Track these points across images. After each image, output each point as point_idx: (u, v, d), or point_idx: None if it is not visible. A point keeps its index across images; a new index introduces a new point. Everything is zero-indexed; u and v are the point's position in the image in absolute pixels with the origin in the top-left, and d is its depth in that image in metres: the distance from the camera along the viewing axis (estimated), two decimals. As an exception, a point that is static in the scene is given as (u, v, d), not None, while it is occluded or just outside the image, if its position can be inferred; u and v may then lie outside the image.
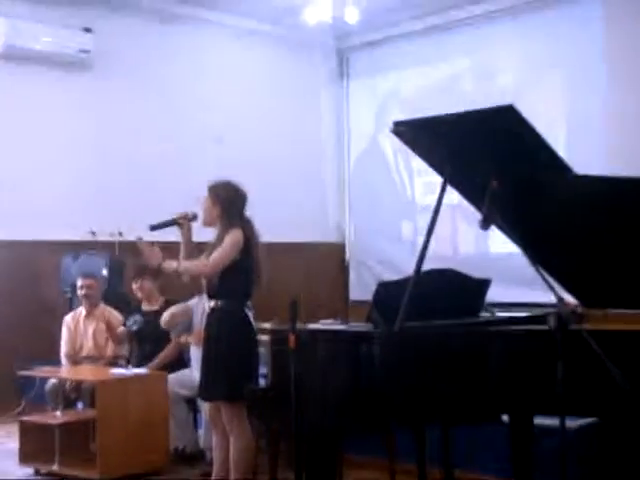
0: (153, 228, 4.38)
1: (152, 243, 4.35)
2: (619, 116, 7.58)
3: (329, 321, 3.89)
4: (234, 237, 4.21)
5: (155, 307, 5.87)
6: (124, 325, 5.93)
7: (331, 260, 9.88)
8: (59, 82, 7.92)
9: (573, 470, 4.17)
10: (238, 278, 4.25)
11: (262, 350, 5.31)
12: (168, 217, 4.42)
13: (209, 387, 4.29)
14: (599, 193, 3.05)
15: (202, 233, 4.56)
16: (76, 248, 7.47)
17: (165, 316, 5.52)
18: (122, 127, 8.17)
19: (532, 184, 3.10)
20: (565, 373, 2.60)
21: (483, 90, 8.30)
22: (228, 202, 4.31)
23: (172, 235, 4.54)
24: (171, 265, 4.28)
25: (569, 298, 3.41)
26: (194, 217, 4.39)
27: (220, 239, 4.26)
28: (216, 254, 4.21)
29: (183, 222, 4.39)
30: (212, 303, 4.31)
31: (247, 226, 4.31)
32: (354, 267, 9.87)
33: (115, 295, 6.86)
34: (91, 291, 6.23)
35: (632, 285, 3.30)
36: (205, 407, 4.72)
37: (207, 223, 4.38)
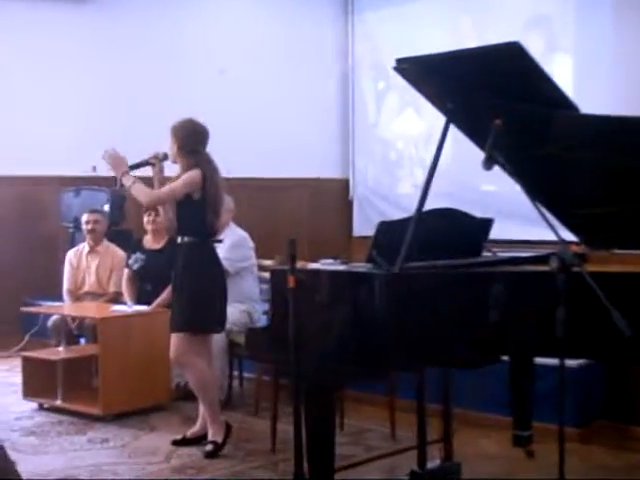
0: (131, 168, 4.54)
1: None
2: (626, 55, 7.43)
3: (329, 261, 3.87)
4: (189, 176, 4.34)
5: (158, 245, 5.83)
6: (127, 265, 5.90)
7: (335, 196, 9.84)
8: (62, 16, 7.80)
9: (571, 408, 4.24)
10: (198, 215, 4.38)
11: (264, 287, 5.34)
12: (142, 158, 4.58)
13: (172, 319, 4.48)
14: (606, 132, 2.98)
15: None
16: (77, 183, 7.44)
17: None
18: (125, 61, 8.07)
19: (537, 123, 3.04)
20: (566, 315, 2.57)
21: (488, 28, 8.14)
22: (184, 139, 4.42)
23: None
24: (128, 181, 4.40)
25: (572, 237, 3.39)
26: (165, 157, 4.55)
27: (179, 176, 4.40)
28: (165, 188, 4.40)
29: (155, 162, 4.55)
30: (179, 239, 4.47)
31: (208, 165, 4.42)
32: (358, 203, 9.83)
33: (116, 231, 6.85)
34: (97, 226, 6.23)
35: (637, 225, 3.27)
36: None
37: (173, 161, 4.52)
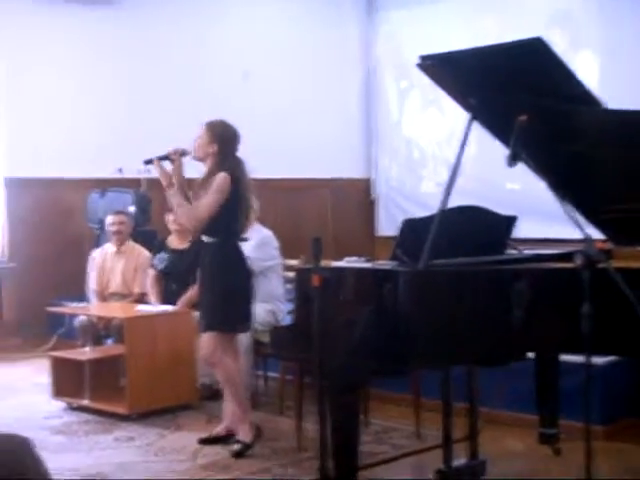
0: (147, 162, 4.54)
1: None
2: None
3: (354, 258, 3.89)
4: (219, 185, 4.32)
5: (183, 245, 5.86)
6: (152, 265, 5.94)
7: (358, 196, 9.85)
8: (85, 18, 7.85)
9: (597, 406, 4.21)
10: (226, 216, 4.37)
11: (289, 287, 5.35)
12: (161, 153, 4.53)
13: (202, 318, 4.51)
14: (631, 127, 2.97)
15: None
16: (103, 185, 7.50)
17: None
18: (150, 64, 8.12)
19: (561, 119, 3.03)
20: (592, 312, 2.57)
21: (511, 25, 8.10)
22: (226, 141, 4.41)
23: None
24: (176, 196, 4.41)
25: (598, 234, 3.37)
26: (184, 153, 4.49)
27: (209, 178, 4.37)
28: (202, 207, 4.34)
29: (175, 157, 4.47)
30: (205, 238, 4.47)
31: (238, 166, 4.41)
32: (381, 203, 9.82)
33: (141, 232, 6.89)
34: (122, 227, 6.27)
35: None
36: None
37: (199, 158, 4.48)
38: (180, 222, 4.50)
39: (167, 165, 4.54)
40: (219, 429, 4.63)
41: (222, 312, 4.40)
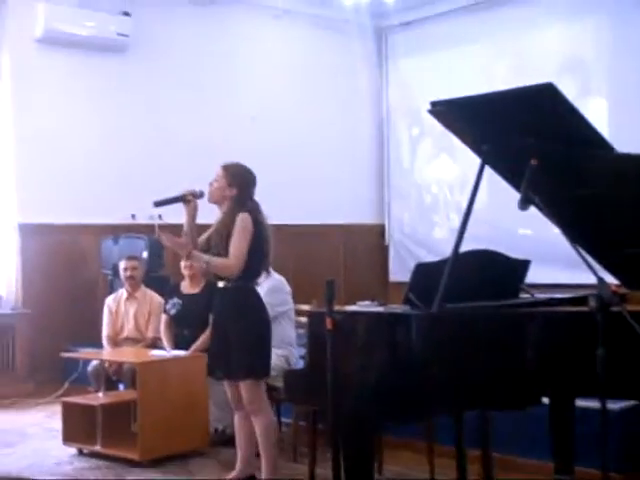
0: (157, 204, 4.37)
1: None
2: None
3: (366, 303, 3.88)
4: (244, 223, 4.25)
5: (196, 290, 5.87)
6: (164, 310, 5.95)
7: (371, 241, 9.87)
8: (98, 65, 7.98)
9: (614, 453, 4.16)
10: (248, 260, 4.28)
11: (301, 332, 5.34)
12: (175, 194, 4.39)
13: (231, 367, 4.33)
14: (642, 172, 2.99)
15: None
16: (116, 231, 7.55)
17: None
18: (159, 110, 8.23)
19: (572, 163, 3.05)
20: (607, 355, 2.55)
21: (522, 72, 8.18)
22: (245, 184, 4.37)
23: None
24: (201, 257, 4.30)
25: (611, 280, 3.36)
26: (201, 194, 4.38)
27: (227, 220, 4.28)
28: (235, 253, 4.23)
29: (190, 198, 4.35)
30: (221, 283, 4.37)
31: (256, 208, 4.36)
32: (394, 249, 9.84)
33: (155, 277, 6.91)
34: (135, 272, 6.29)
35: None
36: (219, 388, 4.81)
37: (216, 201, 4.39)
38: (220, 272, 4.32)
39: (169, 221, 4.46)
40: (234, 474, 4.58)
41: (259, 357, 4.30)
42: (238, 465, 4.58)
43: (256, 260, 4.33)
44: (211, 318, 4.72)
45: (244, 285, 4.35)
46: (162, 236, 4.37)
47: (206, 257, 4.29)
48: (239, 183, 4.35)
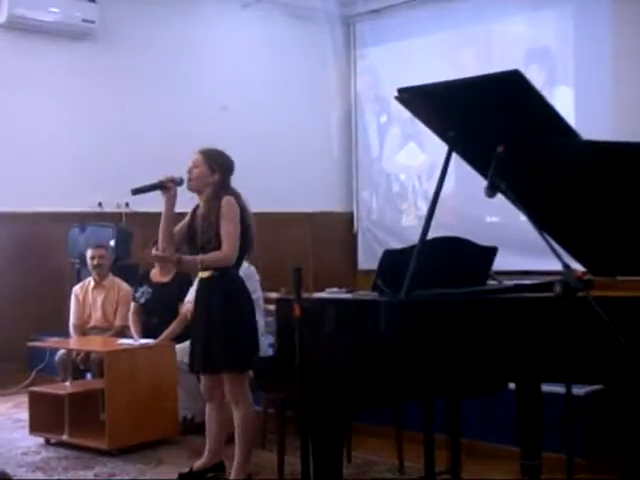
0: (135, 192, 4.23)
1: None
2: (626, 86, 7.51)
3: (335, 290, 3.88)
4: (230, 207, 4.14)
5: (166, 279, 5.85)
6: (133, 299, 5.92)
7: (339, 229, 9.88)
8: (64, 52, 7.88)
9: (580, 438, 4.21)
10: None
11: (270, 319, 5.33)
12: (153, 181, 4.25)
13: (212, 359, 4.21)
14: (607, 159, 3.01)
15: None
16: (83, 219, 7.49)
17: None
18: (126, 98, 8.16)
19: (538, 150, 3.07)
20: (572, 340, 2.58)
21: (489, 60, 8.22)
22: (226, 169, 4.29)
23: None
24: (193, 259, 4.22)
25: (577, 266, 3.39)
26: (181, 181, 4.25)
27: (215, 205, 4.16)
28: (228, 240, 4.12)
29: (170, 185, 4.21)
30: (206, 273, 4.25)
31: (238, 193, 4.27)
32: (362, 236, 9.86)
33: (122, 266, 6.88)
34: (102, 261, 6.25)
35: (640, 252, 3.28)
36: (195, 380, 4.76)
37: (196, 188, 4.27)
38: (219, 266, 4.17)
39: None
40: (200, 463, 4.57)
41: (244, 348, 4.18)
42: (206, 455, 4.55)
43: (242, 246, 4.21)
44: (183, 307, 4.60)
45: (230, 272, 4.24)
46: (148, 255, 4.32)
47: (198, 258, 4.19)
48: (221, 168, 4.26)
